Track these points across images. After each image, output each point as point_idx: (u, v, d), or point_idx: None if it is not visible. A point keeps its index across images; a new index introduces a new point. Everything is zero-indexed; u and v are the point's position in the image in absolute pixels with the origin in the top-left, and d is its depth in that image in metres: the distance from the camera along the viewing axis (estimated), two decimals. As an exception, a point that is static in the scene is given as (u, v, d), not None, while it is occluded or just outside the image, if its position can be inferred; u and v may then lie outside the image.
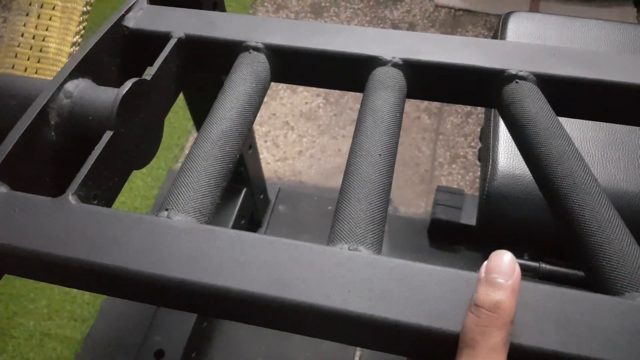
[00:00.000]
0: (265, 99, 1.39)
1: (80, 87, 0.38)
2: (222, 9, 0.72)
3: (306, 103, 1.37)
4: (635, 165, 0.60)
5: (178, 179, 0.33)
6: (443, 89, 0.42)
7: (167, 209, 0.31)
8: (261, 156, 1.21)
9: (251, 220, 1.07)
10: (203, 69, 0.47)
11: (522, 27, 0.73)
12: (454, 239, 1.07)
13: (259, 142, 1.29)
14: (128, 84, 0.37)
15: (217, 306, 0.29)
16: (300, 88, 1.40)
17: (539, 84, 0.39)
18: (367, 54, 0.41)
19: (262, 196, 1.09)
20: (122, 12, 0.44)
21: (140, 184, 1.22)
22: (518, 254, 0.63)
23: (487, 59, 0.40)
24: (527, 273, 0.60)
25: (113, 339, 1.00)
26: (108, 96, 0.37)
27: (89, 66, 0.40)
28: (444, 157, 1.26)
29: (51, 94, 0.36)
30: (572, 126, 0.62)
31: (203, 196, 0.32)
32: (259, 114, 1.39)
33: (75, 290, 1.05)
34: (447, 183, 1.22)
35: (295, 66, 0.44)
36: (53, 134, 0.37)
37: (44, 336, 1.01)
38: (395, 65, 0.41)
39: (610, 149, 0.60)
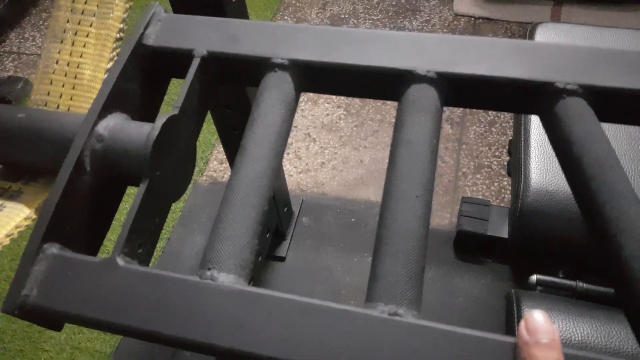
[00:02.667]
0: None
1: (111, 128, 0.38)
2: (244, 14, 0.69)
3: (327, 115, 1.37)
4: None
5: (218, 232, 0.34)
6: (482, 99, 0.40)
7: (209, 268, 0.32)
8: (283, 168, 1.22)
9: (276, 233, 1.07)
10: (228, 84, 0.46)
11: (550, 39, 0.72)
12: (481, 251, 1.05)
13: (281, 155, 1.30)
14: (158, 127, 0.37)
15: None
16: (322, 99, 1.40)
17: (587, 96, 0.36)
18: (399, 67, 0.39)
19: (285, 209, 1.09)
20: (142, 30, 0.43)
21: (165, 198, 1.23)
22: (553, 272, 0.62)
23: (531, 69, 0.37)
24: (564, 292, 0.59)
25: (142, 353, 1.01)
26: (139, 137, 0.37)
27: (116, 99, 0.40)
28: (467, 167, 1.24)
29: (83, 141, 0.36)
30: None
31: (242, 249, 0.33)
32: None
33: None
34: (472, 194, 1.20)
35: (324, 79, 0.42)
36: (89, 179, 0.37)
37: (75, 349, 1.02)
38: (430, 81, 0.38)
39: (632, 164, 0.59)
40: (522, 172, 0.62)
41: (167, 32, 0.43)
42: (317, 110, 1.39)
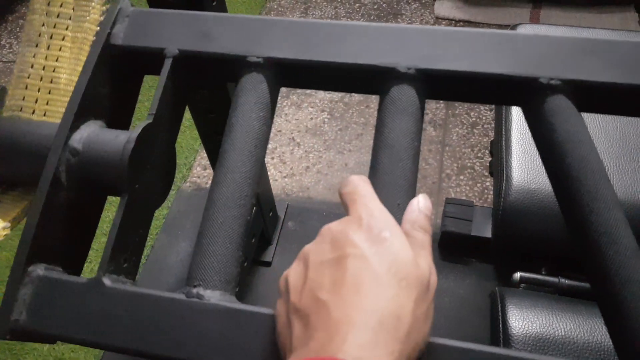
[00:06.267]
0: (270, 116, 1.39)
1: (85, 140, 0.37)
2: (222, 7, 0.65)
3: (311, 119, 1.37)
4: (650, 176, 0.59)
5: (202, 248, 0.34)
6: (464, 93, 0.40)
7: (195, 285, 0.32)
8: (268, 173, 1.21)
9: (261, 238, 1.06)
10: (204, 84, 0.45)
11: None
12: (465, 251, 1.06)
13: (266, 159, 1.29)
14: (133, 139, 0.36)
15: None
16: (305, 104, 1.40)
17: (570, 91, 0.36)
18: (379, 65, 0.38)
19: (271, 213, 1.08)
20: (108, 29, 0.40)
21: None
22: (536, 269, 0.62)
23: (514, 63, 0.36)
24: (547, 289, 0.59)
25: (126, 363, 0.99)
26: (115, 149, 0.36)
27: (88, 106, 0.38)
28: (451, 168, 1.25)
29: (57, 157, 0.36)
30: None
31: (227, 263, 0.33)
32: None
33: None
34: (456, 195, 1.21)
35: (302, 76, 0.41)
36: (67, 194, 0.37)
37: (56, 362, 1.00)
38: (411, 79, 0.37)
39: (625, 160, 0.60)
40: (504, 172, 0.63)
41: (135, 30, 0.41)
42: (301, 114, 1.39)
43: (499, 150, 0.66)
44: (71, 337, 0.32)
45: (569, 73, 0.36)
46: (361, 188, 0.31)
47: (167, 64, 0.40)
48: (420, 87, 0.38)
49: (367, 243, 0.26)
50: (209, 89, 0.54)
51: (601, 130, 0.63)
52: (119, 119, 0.44)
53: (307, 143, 1.32)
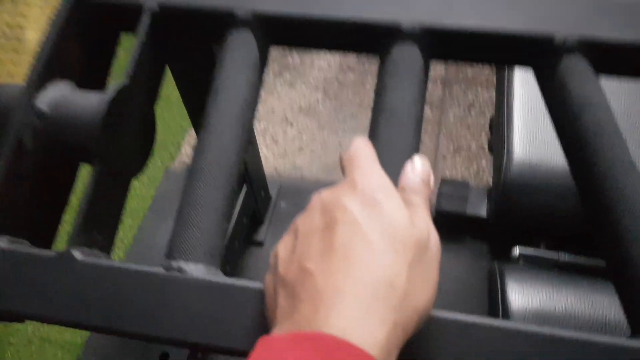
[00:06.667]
0: (262, 95, 1.36)
1: (52, 101, 0.34)
2: None
3: (304, 97, 1.34)
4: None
5: (183, 218, 0.31)
6: (472, 54, 0.37)
7: (176, 258, 0.30)
8: (260, 153, 1.18)
9: (253, 218, 1.04)
10: (186, 45, 0.43)
11: None
12: (460, 231, 1.04)
13: (258, 139, 1.26)
14: (105, 102, 0.33)
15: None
16: (299, 82, 1.37)
17: (586, 51, 0.33)
18: (381, 21, 0.35)
19: (263, 193, 1.06)
20: None
21: (136, 184, 1.19)
22: (535, 244, 0.61)
23: (527, 20, 0.34)
24: (547, 264, 0.58)
25: (116, 342, 0.97)
26: (87, 111, 0.33)
27: (56, 64, 0.35)
28: (447, 149, 1.23)
29: (21, 119, 0.33)
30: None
31: (211, 235, 0.31)
32: (256, 109, 1.35)
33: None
34: (451, 175, 1.19)
35: (294, 34, 0.38)
36: (33, 160, 0.34)
37: (43, 342, 0.98)
38: (415, 38, 0.35)
39: (629, 135, 0.58)
40: (505, 147, 0.61)
41: None
42: (294, 93, 1.35)
43: (499, 124, 0.64)
44: (40, 315, 0.29)
45: (586, 31, 0.33)
46: (362, 151, 0.29)
47: (145, 20, 0.37)
48: (425, 47, 0.35)
49: (359, 206, 0.24)
50: (192, 50, 0.51)
51: (617, 96, 0.61)
52: (94, 80, 0.41)
53: (300, 123, 1.30)
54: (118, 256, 1.10)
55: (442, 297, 0.88)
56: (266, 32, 0.37)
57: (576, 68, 0.33)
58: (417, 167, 0.29)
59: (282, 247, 0.26)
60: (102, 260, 0.30)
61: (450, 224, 1.02)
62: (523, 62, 0.37)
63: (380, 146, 0.31)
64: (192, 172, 0.33)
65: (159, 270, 0.29)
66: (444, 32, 0.35)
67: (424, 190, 0.28)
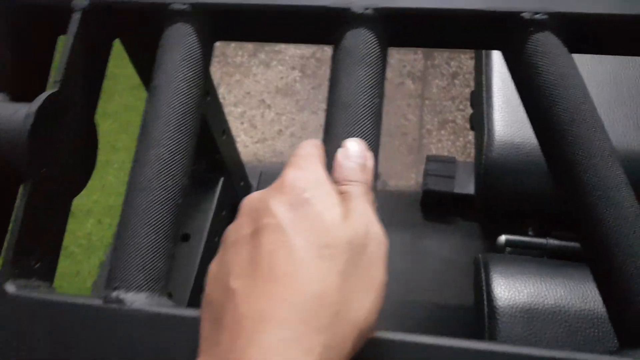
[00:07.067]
0: (238, 77, 1.30)
1: None
2: None
3: (281, 78, 1.29)
4: (644, 122, 0.54)
5: (121, 242, 0.29)
6: (433, 36, 0.34)
7: (115, 288, 0.28)
8: (238, 139, 1.14)
9: (232, 211, 1.01)
10: (124, 43, 0.39)
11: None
12: (449, 209, 1.02)
13: (235, 124, 1.22)
14: (32, 113, 0.29)
15: None
16: (274, 62, 1.31)
17: (557, 27, 0.31)
18: (330, 5, 0.32)
19: (242, 183, 1.02)
20: None
21: (112, 181, 1.15)
22: (522, 229, 0.58)
23: None
24: (534, 251, 0.55)
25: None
26: (13, 126, 0.30)
27: None
28: (431, 123, 1.19)
29: None
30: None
31: (154, 258, 0.28)
32: (232, 93, 1.31)
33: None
34: (437, 151, 1.16)
35: (239, 26, 0.35)
36: None
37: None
38: (369, 21, 0.32)
39: (617, 107, 0.54)
40: (486, 125, 0.57)
41: None
42: (270, 73, 1.30)
43: (479, 101, 0.60)
44: None
45: (557, 4, 0.31)
46: (303, 150, 0.26)
47: (75, 18, 0.34)
48: (381, 32, 0.32)
49: (285, 208, 0.22)
50: (130, 48, 0.47)
51: (590, 74, 0.57)
52: (30, 91, 0.37)
53: (278, 104, 1.25)
54: (98, 256, 1.06)
55: (430, 279, 0.86)
56: (207, 25, 0.34)
57: (547, 46, 0.30)
58: (350, 151, 0.26)
59: (214, 262, 0.24)
60: (37, 294, 0.28)
61: (438, 203, 1.00)
62: (490, 45, 0.34)
63: (334, 146, 0.28)
64: (130, 188, 0.30)
65: (97, 302, 0.27)
66: (399, 14, 0.32)
67: (362, 176, 0.25)
